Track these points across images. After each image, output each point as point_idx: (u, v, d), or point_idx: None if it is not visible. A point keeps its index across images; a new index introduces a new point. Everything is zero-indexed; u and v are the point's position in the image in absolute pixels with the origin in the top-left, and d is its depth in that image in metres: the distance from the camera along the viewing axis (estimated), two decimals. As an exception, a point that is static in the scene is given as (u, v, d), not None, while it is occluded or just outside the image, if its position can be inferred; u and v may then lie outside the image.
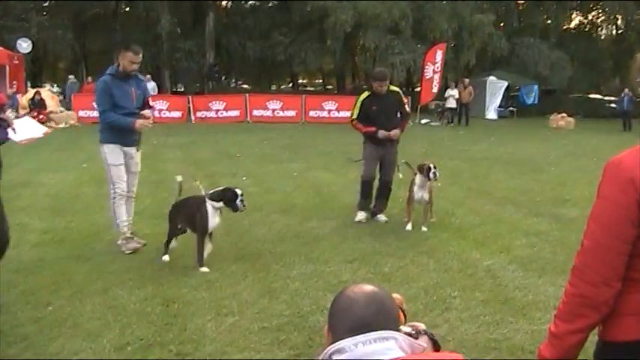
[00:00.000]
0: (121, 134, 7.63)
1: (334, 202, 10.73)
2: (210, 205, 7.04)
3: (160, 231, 8.32)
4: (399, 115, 9.49)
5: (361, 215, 9.47)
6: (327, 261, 7.45)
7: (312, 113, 31.45)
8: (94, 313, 5.75)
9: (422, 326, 2.26)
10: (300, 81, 65.11)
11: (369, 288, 2.04)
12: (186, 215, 7.31)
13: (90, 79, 35.67)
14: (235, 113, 30.74)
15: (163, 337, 5.24)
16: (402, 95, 9.76)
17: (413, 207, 9.05)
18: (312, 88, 64.16)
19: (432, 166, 8.72)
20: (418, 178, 8.87)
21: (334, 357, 1.90)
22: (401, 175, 9.70)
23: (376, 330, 1.91)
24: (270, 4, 47.60)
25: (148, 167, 14.59)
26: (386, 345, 1.89)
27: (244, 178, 11.60)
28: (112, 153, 7.68)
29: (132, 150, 7.84)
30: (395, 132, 9.21)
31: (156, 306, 5.96)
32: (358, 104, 9.37)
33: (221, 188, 7.25)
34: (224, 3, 49.26)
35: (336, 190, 12.19)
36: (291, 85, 62.18)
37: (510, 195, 11.93)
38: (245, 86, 52.40)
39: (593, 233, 2.49)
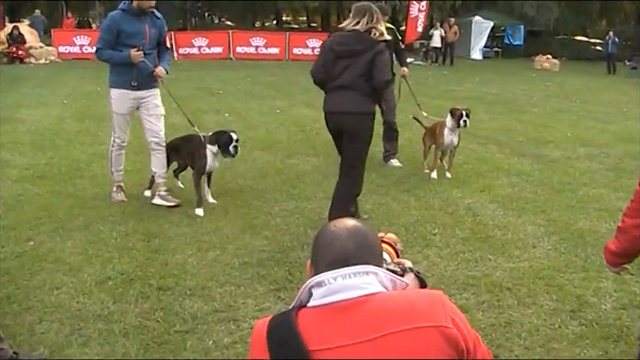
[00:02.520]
0: (128, 76, 6.86)
1: (317, 139, 10.70)
2: (209, 148, 6.97)
3: (141, 167, 8.32)
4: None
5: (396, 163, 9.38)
6: (308, 197, 7.47)
7: (296, 51, 31.20)
8: (75, 248, 5.76)
9: (408, 263, 2.26)
10: (284, 18, 64.34)
11: (351, 222, 2.03)
12: (187, 153, 7.29)
13: (69, 14, 35.10)
14: (218, 50, 30.37)
15: (144, 272, 5.27)
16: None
17: (439, 152, 8.73)
18: (296, 26, 63.49)
19: (464, 112, 8.29)
20: (449, 122, 8.44)
21: (313, 290, 1.90)
22: (425, 114, 9.30)
23: (357, 264, 1.91)
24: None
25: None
26: (365, 279, 1.88)
27: (227, 115, 11.53)
28: (119, 100, 7.00)
29: (146, 93, 7.04)
30: (406, 70, 9.13)
31: (137, 241, 5.98)
32: None
33: (217, 130, 7.14)
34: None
35: (319, 127, 12.08)
36: (275, 22, 61.47)
37: (493, 135, 11.95)
38: (228, 23, 51.69)
39: None
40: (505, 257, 5.80)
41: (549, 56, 33.26)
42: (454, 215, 7.01)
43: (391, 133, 9.36)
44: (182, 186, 7.69)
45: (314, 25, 62.22)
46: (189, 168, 7.45)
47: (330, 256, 1.94)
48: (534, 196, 7.89)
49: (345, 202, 6.15)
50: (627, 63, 34.12)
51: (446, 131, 8.47)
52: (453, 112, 8.43)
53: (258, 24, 59.14)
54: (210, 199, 7.25)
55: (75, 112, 12.82)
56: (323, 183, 8.07)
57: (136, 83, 6.90)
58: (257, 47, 30.77)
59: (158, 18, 7.11)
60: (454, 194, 7.80)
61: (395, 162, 9.31)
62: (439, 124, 8.67)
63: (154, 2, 6.90)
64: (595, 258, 5.80)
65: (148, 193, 7.35)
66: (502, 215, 7.04)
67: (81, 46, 28.02)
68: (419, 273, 2.26)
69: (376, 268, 1.95)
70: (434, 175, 8.58)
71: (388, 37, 6.04)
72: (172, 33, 31.51)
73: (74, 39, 28.35)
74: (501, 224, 6.73)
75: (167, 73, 7.16)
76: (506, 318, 4.64)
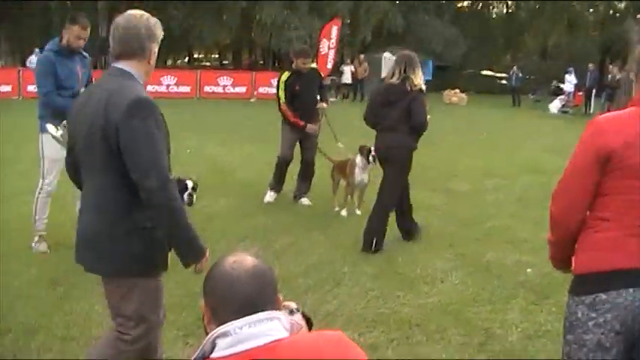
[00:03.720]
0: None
1: (228, 179, 10.67)
2: None
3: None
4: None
5: (271, 196, 9.33)
6: (218, 240, 7.38)
7: (207, 88, 31.10)
8: (-26, 298, 5.55)
9: (293, 305, 2.26)
10: (196, 55, 64.17)
11: (249, 263, 1.99)
12: None
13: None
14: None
15: (48, 321, 5.11)
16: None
17: (352, 190, 8.74)
18: (208, 63, 63.39)
19: (372, 148, 8.12)
20: (360, 160, 8.44)
21: (218, 340, 1.87)
22: (341, 145, 9.44)
23: (260, 308, 1.89)
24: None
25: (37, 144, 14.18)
26: (270, 325, 1.88)
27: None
28: (52, 145, 6.43)
29: None
30: (324, 105, 9.30)
31: (41, 289, 5.79)
32: (282, 86, 9.03)
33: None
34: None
35: (231, 167, 12.13)
36: (187, 60, 61.25)
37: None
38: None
39: (566, 169, 2.93)
40: (414, 293, 5.86)
41: (457, 90, 34.11)
42: (364, 252, 7.05)
43: (307, 172, 9.35)
44: None
45: (226, 62, 62.27)
46: None
47: (234, 303, 1.91)
48: (442, 229, 8.02)
49: (383, 216, 7.24)
50: (531, 96, 35.34)
51: (357, 170, 8.48)
52: (361, 150, 8.44)
53: (169, 61, 58.78)
54: None
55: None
56: (233, 224, 8.03)
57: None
58: (168, 85, 30.52)
59: (86, 57, 6.92)
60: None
61: (305, 200, 9.33)
62: (349, 162, 8.67)
63: (84, 42, 6.65)
64: (501, 290, 5.94)
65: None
66: (411, 250, 7.12)
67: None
68: (304, 313, 2.27)
69: (279, 312, 1.95)
70: (344, 213, 8.64)
71: (423, 87, 7.09)
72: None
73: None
74: (410, 260, 6.81)
75: None
76: (416, 354, 4.68)
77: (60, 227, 7.10)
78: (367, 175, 8.56)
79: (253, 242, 7.31)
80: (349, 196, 8.80)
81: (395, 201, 7.36)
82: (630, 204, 2.73)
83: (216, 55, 68.40)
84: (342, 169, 8.80)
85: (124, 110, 3.14)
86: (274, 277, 2.05)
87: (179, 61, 61.69)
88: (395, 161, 7.24)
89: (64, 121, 5.43)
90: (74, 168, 3.58)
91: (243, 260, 2.00)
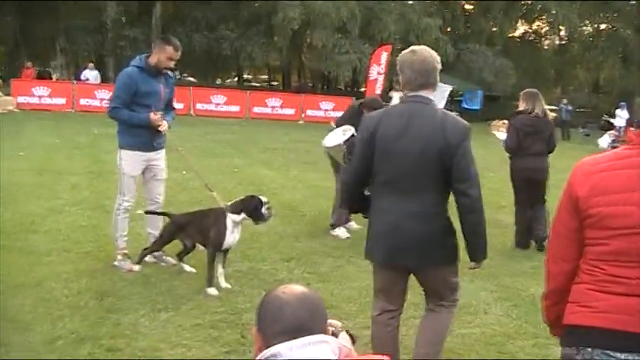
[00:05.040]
0: (143, 137, 6.73)
1: (274, 200, 10.63)
2: (230, 219, 6.37)
3: (97, 223, 8.27)
4: None
5: (343, 232, 8.93)
6: (263, 259, 7.46)
7: (256, 109, 31.30)
8: (24, 306, 5.66)
9: (338, 323, 2.29)
10: (245, 76, 64.69)
11: (299, 289, 2.06)
12: (199, 229, 6.63)
13: (30, 63, 34.87)
14: (179, 106, 29.79)
15: (96, 332, 5.21)
16: None
17: None
18: (257, 84, 63.86)
19: None
20: None
21: None
22: None
23: (309, 332, 1.93)
24: (218, -2, 47.25)
25: (89, 157, 14.47)
26: (320, 349, 1.92)
27: (184, 172, 11.50)
28: (131, 162, 6.79)
29: (156, 155, 6.96)
30: None
31: (89, 300, 5.91)
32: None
33: (241, 198, 6.55)
34: (172, -7, 48.68)
35: (277, 187, 12.20)
36: (236, 79, 61.77)
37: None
38: (190, 79, 51.89)
39: (554, 218, 2.88)
40: (457, 323, 5.82)
41: (506, 121, 33.82)
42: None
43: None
44: (194, 270, 6.95)
45: (275, 83, 62.68)
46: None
47: (282, 325, 1.96)
48: (488, 261, 7.89)
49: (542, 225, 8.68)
50: (581, 130, 34.93)
51: None
52: None
53: (219, 81, 59.36)
54: (223, 284, 6.51)
55: (32, 165, 12.69)
56: (278, 244, 8.09)
57: (156, 144, 6.85)
58: (217, 104, 30.81)
59: (170, 77, 7.00)
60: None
61: (353, 224, 9.25)
62: None
63: (173, 63, 6.76)
64: (546, 325, 5.87)
65: (137, 267, 6.87)
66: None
67: (40, 96, 27.67)
68: (349, 330, 2.31)
69: (328, 337, 1.99)
70: None
71: (553, 115, 8.85)
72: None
73: (33, 89, 27.96)
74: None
75: (169, 127, 6.97)
76: (458, 385, 4.67)
77: (109, 239, 7.21)
78: None
79: (298, 264, 7.36)
80: None
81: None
82: (600, 256, 2.61)
83: (266, 77, 68.90)
84: None
85: (463, 134, 3.99)
86: (323, 305, 2.10)
87: (228, 80, 62.25)
88: (543, 179, 8.73)
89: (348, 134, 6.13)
90: (361, 180, 4.28)
91: (294, 287, 2.08)
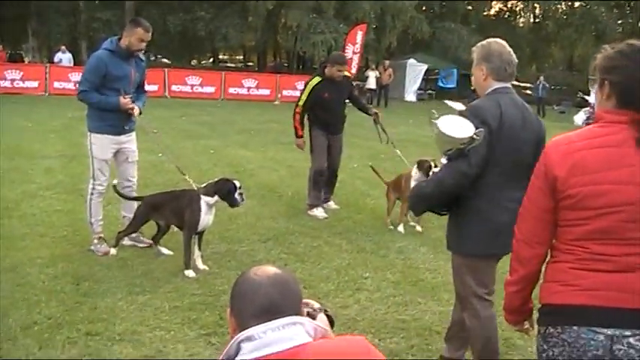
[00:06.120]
0: (113, 120, 6.67)
1: (251, 181, 10.70)
2: (204, 201, 6.36)
3: (73, 207, 8.21)
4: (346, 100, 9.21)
5: (321, 211, 8.86)
6: (241, 240, 7.45)
7: (231, 90, 31.21)
8: (0, 292, 5.62)
9: (316, 304, 2.29)
10: (221, 57, 64.41)
11: (271, 270, 2.06)
12: (173, 210, 6.59)
13: (1, 47, 34.51)
14: (153, 88, 29.80)
15: (73, 316, 5.17)
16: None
17: (406, 207, 8.07)
18: (232, 65, 63.60)
19: (432, 164, 7.87)
20: (417, 174, 8.01)
21: (243, 344, 1.91)
22: (399, 152, 9.04)
23: (283, 314, 1.94)
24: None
25: (63, 141, 14.33)
26: (294, 330, 1.92)
27: (160, 155, 11.44)
28: (101, 145, 6.74)
29: (126, 138, 6.92)
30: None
31: (66, 284, 5.86)
32: (308, 90, 8.78)
33: (215, 180, 6.50)
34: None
35: (254, 168, 12.17)
36: (211, 60, 61.49)
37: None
38: (165, 60, 51.55)
39: (523, 201, 2.82)
40: (435, 301, 5.87)
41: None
42: (386, 258, 7.09)
43: (332, 179, 9.24)
44: (171, 253, 6.87)
45: (250, 64, 62.47)
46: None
47: (255, 306, 1.96)
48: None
49: None
50: (556, 107, 35.14)
51: (413, 184, 7.67)
52: (420, 165, 8.12)
53: (194, 62, 59.06)
54: (201, 265, 6.48)
55: (4, 149, 12.53)
56: (255, 225, 8.08)
57: (127, 127, 6.81)
58: (193, 86, 30.66)
59: (142, 60, 6.95)
60: (386, 237, 7.88)
61: (331, 204, 9.26)
62: (404, 176, 8.38)
63: (144, 45, 6.71)
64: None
65: (113, 251, 6.81)
66: (433, 258, 7.13)
67: (12, 80, 27.34)
68: (327, 311, 2.30)
69: (302, 318, 1.99)
70: (400, 228, 8.28)
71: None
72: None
73: (5, 73, 27.55)
74: (432, 267, 6.82)
75: (140, 113, 6.92)
76: (436, 362, 4.70)
77: (85, 223, 7.16)
78: None
79: (276, 245, 7.36)
80: (405, 215, 8.50)
81: None
82: (583, 235, 2.59)
83: (241, 57, 68.67)
84: (398, 185, 8.47)
85: (544, 127, 4.15)
86: (298, 286, 2.10)
87: (203, 62, 61.96)
88: None
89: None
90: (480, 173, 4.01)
91: (267, 268, 2.08)
